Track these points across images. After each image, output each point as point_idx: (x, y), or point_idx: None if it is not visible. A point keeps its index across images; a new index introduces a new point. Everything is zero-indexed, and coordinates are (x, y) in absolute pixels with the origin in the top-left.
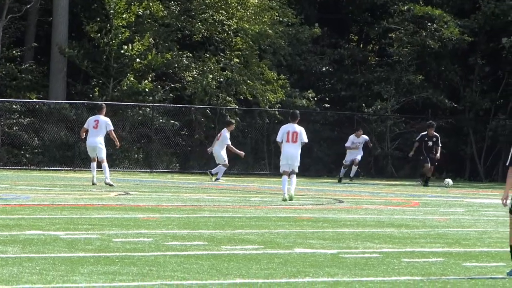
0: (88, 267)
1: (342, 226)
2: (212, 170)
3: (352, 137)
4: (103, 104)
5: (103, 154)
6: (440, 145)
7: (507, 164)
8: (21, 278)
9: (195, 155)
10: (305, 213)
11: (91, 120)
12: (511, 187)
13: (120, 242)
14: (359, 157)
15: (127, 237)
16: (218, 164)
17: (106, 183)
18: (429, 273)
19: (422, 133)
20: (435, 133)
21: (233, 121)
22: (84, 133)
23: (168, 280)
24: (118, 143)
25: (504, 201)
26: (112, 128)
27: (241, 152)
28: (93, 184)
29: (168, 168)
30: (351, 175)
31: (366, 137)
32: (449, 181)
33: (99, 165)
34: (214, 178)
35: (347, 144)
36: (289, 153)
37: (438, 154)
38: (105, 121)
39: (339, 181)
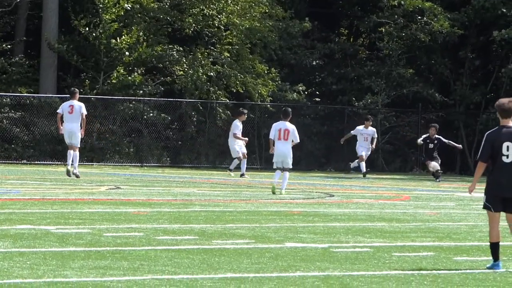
0: (79, 262)
1: (333, 220)
2: (230, 166)
3: (359, 128)
4: (76, 89)
5: (78, 141)
6: (447, 141)
7: (477, 158)
8: (11, 272)
9: (186, 149)
10: (296, 207)
11: (65, 105)
12: (479, 179)
13: (111, 237)
14: (366, 155)
15: (118, 232)
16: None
17: (73, 173)
18: (420, 267)
19: (424, 135)
20: (436, 136)
21: (245, 111)
22: (61, 122)
23: (159, 274)
24: (83, 132)
25: (471, 193)
26: (85, 112)
27: (245, 138)
28: (76, 175)
29: (159, 162)
30: (351, 165)
31: (374, 129)
32: (435, 164)
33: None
34: (234, 173)
35: (352, 132)
36: (281, 151)
37: (439, 160)
38: (79, 106)
39: (364, 176)
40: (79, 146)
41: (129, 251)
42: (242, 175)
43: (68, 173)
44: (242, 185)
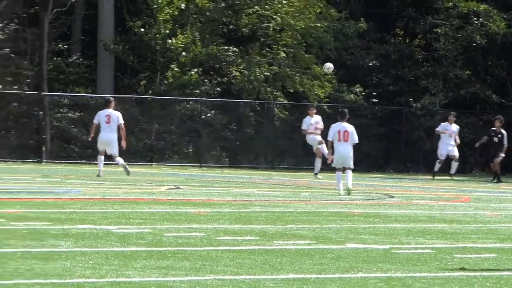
0: (141, 262)
1: (394, 221)
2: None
3: (444, 124)
4: (111, 98)
5: (116, 150)
6: (505, 144)
7: None
8: (74, 272)
9: (244, 150)
10: (356, 208)
11: (102, 114)
12: None
13: (172, 237)
14: (456, 152)
15: (179, 232)
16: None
17: (126, 173)
18: (482, 269)
19: (492, 128)
20: (501, 129)
21: (313, 105)
22: (94, 130)
23: (221, 275)
24: (125, 142)
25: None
26: (123, 122)
27: (315, 132)
28: (98, 176)
29: (217, 162)
30: (452, 172)
31: (458, 127)
32: (329, 66)
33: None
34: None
35: (437, 129)
36: (341, 153)
37: (502, 154)
38: (116, 116)
39: (433, 176)
40: (118, 153)
41: (190, 251)
42: (315, 174)
43: (98, 175)
44: (301, 186)
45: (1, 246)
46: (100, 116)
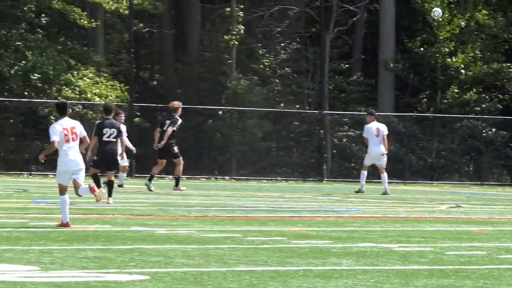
0: (422, 280)
1: None
2: None
3: None
4: (373, 111)
5: (385, 162)
6: None
7: None
8: None
9: None
10: None
11: (370, 128)
12: None
13: (453, 255)
14: None
15: (460, 250)
16: None
17: (385, 192)
18: None
19: None
20: None
21: None
22: (367, 142)
23: None
24: (387, 151)
25: None
26: (387, 133)
27: None
28: (359, 191)
29: (499, 180)
30: None
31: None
32: (438, 11)
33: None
34: None
35: None
36: None
37: None
38: (383, 127)
39: None
40: (384, 167)
41: (472, 269)
42: None
43: (359, 191)
44: None
45: (283, 264)
46: (369, 130)
